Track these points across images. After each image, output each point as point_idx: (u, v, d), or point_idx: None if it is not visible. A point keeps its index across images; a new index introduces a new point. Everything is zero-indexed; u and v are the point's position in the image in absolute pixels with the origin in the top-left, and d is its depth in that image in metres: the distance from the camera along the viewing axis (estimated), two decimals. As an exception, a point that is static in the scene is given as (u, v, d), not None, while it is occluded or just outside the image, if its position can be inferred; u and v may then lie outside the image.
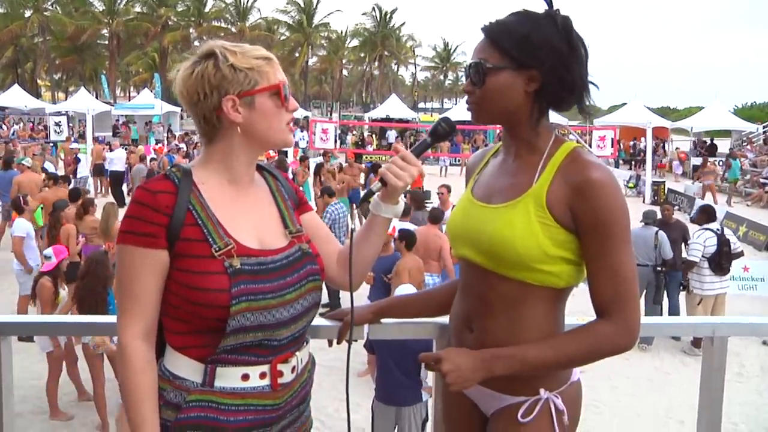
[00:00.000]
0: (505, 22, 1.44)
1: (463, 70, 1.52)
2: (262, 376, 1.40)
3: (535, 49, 1.40)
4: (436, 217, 7.47)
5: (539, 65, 1.40)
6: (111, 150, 16.52)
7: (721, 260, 7.20)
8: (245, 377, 1.38)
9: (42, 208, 9.16)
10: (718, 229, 7.38)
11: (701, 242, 7.22)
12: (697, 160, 24.32)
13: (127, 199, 15.26)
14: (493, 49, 1.43)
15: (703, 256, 7.21)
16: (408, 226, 7.02)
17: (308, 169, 14.05)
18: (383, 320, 1.78)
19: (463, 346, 1.51)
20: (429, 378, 4.35)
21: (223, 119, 1.40)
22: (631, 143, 27.76)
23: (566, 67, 1.40)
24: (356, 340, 1.68)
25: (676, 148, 29.10)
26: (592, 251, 1.38)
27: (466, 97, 1.51)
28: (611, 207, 1.36)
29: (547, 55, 1.40)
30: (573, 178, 1.39)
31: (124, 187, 16.25)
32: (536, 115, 1.46)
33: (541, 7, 1.45)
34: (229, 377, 1.37)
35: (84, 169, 16.27)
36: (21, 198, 8.34)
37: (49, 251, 6.01)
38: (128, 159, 16.93)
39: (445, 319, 1.83)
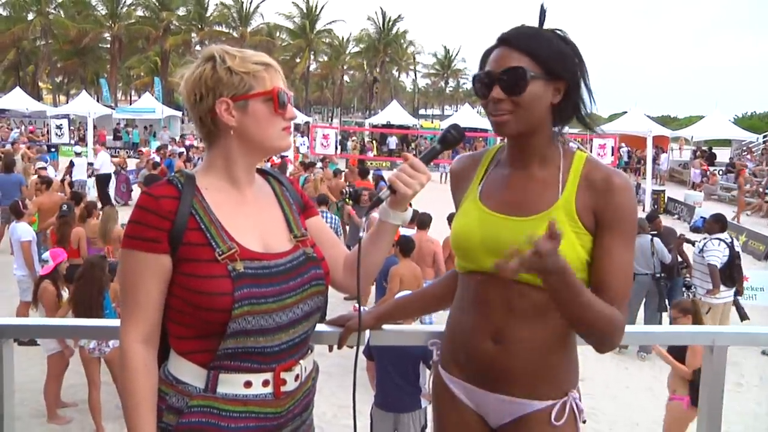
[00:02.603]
0: (534, 32, 1.46)
1: (484, 76, 1.45)
2: (265, 383, 1.40)
3: (566, 61, 1.44)
4: (423, 222, 7.26)
5: (568, 77, 1.45)
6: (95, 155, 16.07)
7: (732, 272, 7.13)
8: (248, 384, 1.38)
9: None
10: (728, 240, 7.28)
11: (721, 249, 7.10)
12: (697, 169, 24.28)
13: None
14: (526, 57, 1.42)
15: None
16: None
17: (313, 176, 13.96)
18: (384, 326, 1.78)
19: (482, 360, 1.51)
20: (428, 384, 4.34)
21: (218, 122, 1.41)
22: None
23: (584, 80, 1.47)
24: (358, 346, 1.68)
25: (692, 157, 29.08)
26: (606, 248, 1.43)
27: (490, 105, 1.45)
28: (630, 208, 1.45)
29: (573, 67, 1.45)
30: (598, 183, 1.45)
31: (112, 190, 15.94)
32: (557, 126, 1.50)
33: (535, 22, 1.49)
34: (231, 384, 1.37)
35: (79, 173, 16.00)
36: (20, 202, 8.28)
37: (46, 255, 5.99)
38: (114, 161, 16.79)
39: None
